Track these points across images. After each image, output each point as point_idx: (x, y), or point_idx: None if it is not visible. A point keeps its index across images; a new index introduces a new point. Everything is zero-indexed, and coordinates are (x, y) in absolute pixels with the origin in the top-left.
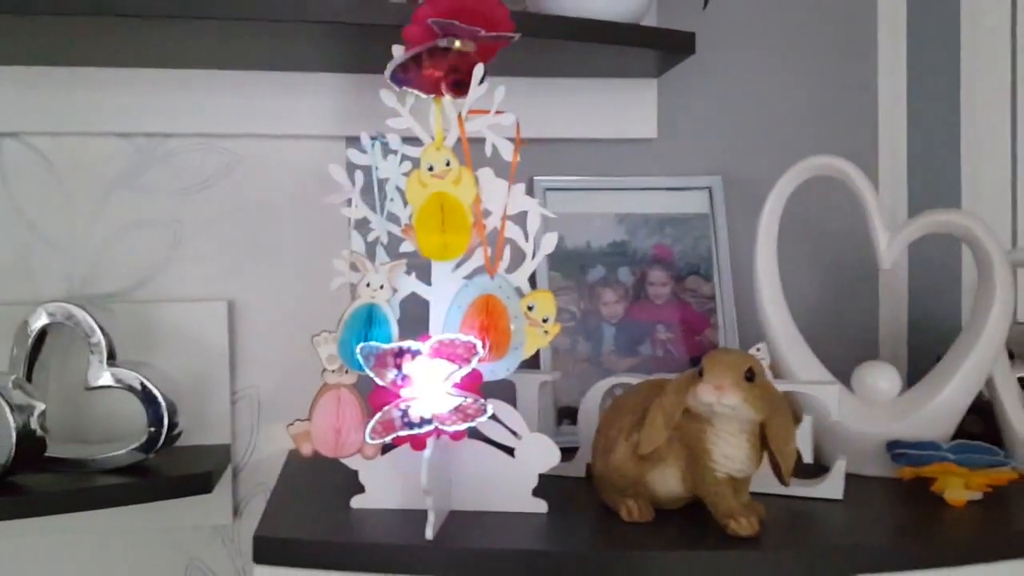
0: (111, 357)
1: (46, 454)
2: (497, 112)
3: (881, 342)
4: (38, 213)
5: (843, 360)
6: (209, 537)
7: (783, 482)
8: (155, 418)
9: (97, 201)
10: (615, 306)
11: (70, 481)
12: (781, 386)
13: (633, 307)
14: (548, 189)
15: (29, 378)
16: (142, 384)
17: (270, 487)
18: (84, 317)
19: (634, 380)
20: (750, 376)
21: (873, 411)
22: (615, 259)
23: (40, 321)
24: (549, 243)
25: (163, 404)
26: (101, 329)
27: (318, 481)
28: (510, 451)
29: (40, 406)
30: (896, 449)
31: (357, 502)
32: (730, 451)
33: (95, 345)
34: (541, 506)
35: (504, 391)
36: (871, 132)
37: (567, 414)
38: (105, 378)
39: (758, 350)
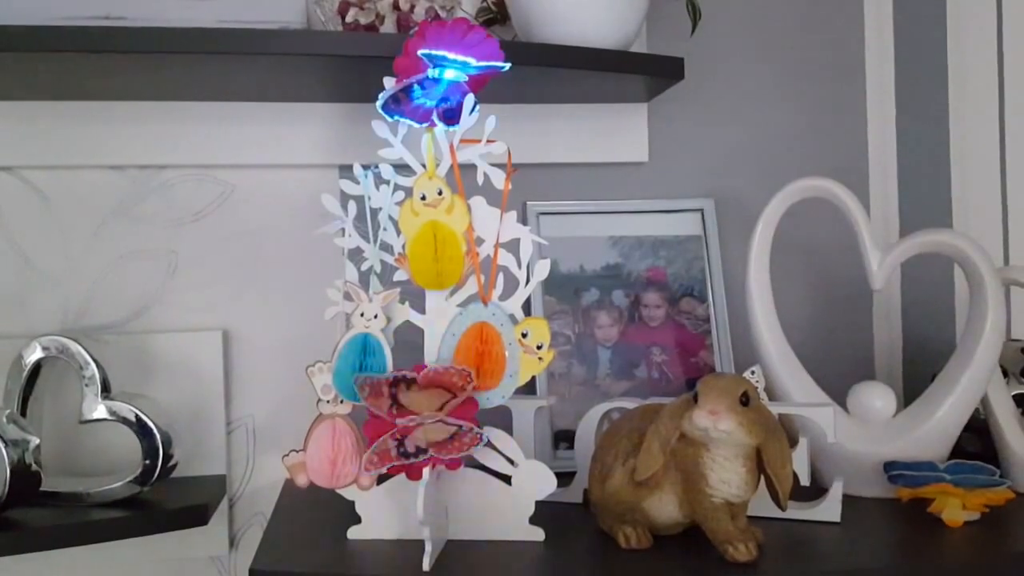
0: (105, 390)
1: (41, 488)
2: (488, 141)
3: (876, 361)
4: (32, 246)
5: (838, 380)
6: (205, 568)
7: (780, 506)
8: (150, 450)
9: (91, 233)
10: (610, 329)
11: (65, 516)
12: (776, 408)
13: (628, 330)
14: (541, 213)
15: (23, 412)
16: (137, 416)
17: (266, 517)
18: (78, 350)
19: (630, 405)
20: (745, 400)
21: (869, 432)
22: (609, 282)
23: (34, 355)
24: (542, 270)
25: (158, 436)
26: (95, 362)
27: (314, 511)
28: (507, 478)
29: (35, 440)
30: (893, 470)
31: (354, 533)
32: (727, 476)
33: (89, 378)
34: (538, 534)
35: (500, 416)
36: (861, 152)
37: (563, 437)
38: (100, 411)
39: (752, 373)
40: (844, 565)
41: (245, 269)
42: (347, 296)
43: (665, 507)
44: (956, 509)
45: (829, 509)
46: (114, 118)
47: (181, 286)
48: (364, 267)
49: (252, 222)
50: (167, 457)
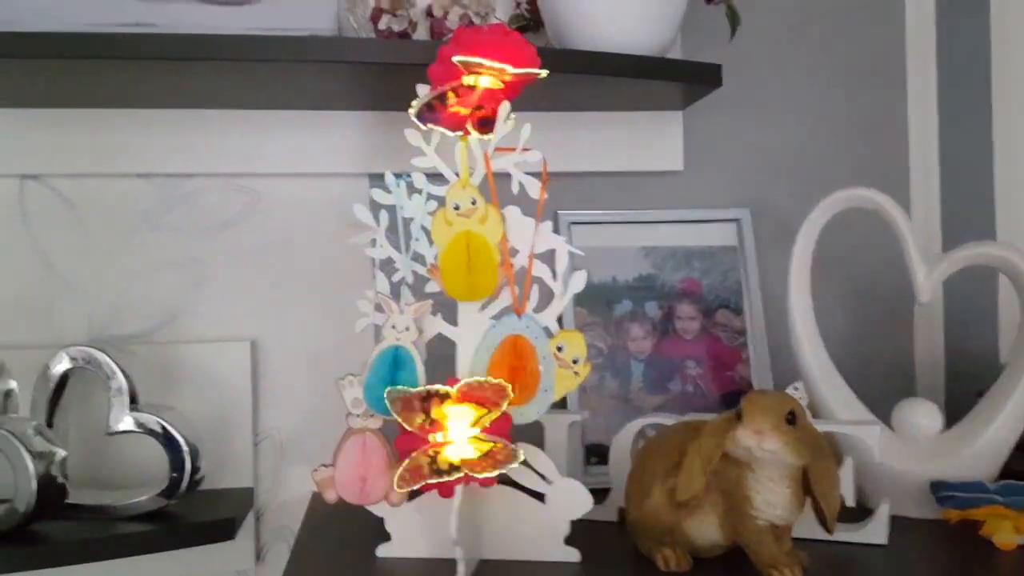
0: (132, 401)
1: (67, 501)
2: (524, 149)
3: (917, 377)
4: (59, 255)
5: (877, 396)
6: None
7: (828, 529)
8: (177, 463)
9: (118, 242)
10: (643, 342)
11: (91, 529)
12: (820, 427)
13: (661, 342)
14: (573, 223)
15: (50, 423)
16: (164, 428)
17: (293, 531)
18: (105, 361)
19: (667, 421)
20: (791, 419)
21: (915, 450)
22: (642, 293)
23: (62, 365)
24: (578, 282)
25: (185, 449)
26: (123, 372)
27: (343, 527)
28: (540, 496)
29: (61, 453)
30: (941, 491)
31: (383, 551)
32: (772, 498)
33: (116, 389)
34: (574, 555)
35: (531, 431)
36: (902, 162)
37: (594, 452)
38: (127, 423)
39: (796, 389)
40: None
41: (274, 279)
42: (378, 308)
43: (706, 529)
44: (1008, 532)
45: (876, 531)
46: (142, 126)
47: (209, 296)
48: (395, 278)
49: (281, 231)
50: (194, 470)
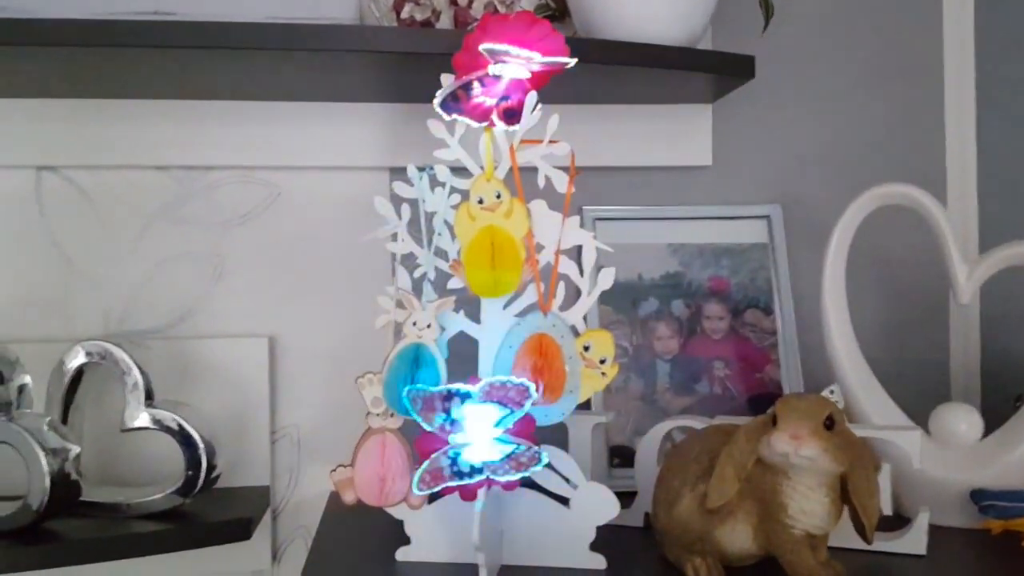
0: (148, 397)
1: (81, 498)
2: (551, 142)
3: (952, 380)
4: (76, 248)
5: (911, 401)
6: None
7: (867, 539)
8: (193, 461)
9: (136, 235)
10: (669, 341)
11: (105, 527)
12: (857, 432)
13: (688, 342)
14: (598, 219)
15: (65, 419)
16: (179, 426)
17: (311, 531)
18: (121, 356)
19: (697, 424)
20: (829, 424)
21: (953, 457)
22: (669, 292)
23: (77, 360)
24: (606, 279)
25: (201, 447)
26: (139, 368)
27: (361, 528)
28: (564, 500)
29: (75, 449)
30: (982, 500)
31: (402, 554)
32: (808, 506)
33: (132, 385)
34: (599, 562)
35: (554, 432)
36: (938, 157)
37: (618, 453)
38: (142, 419)
39: (831, 392)
40: None
41: (293, 274)
42: (399, 304)
43: (738, 537)
44: None
45: (915, 541)
46: (160, 117)
47: (227, 291)
48: (417, 274)
49: (300, 226)
50: (210, 468)
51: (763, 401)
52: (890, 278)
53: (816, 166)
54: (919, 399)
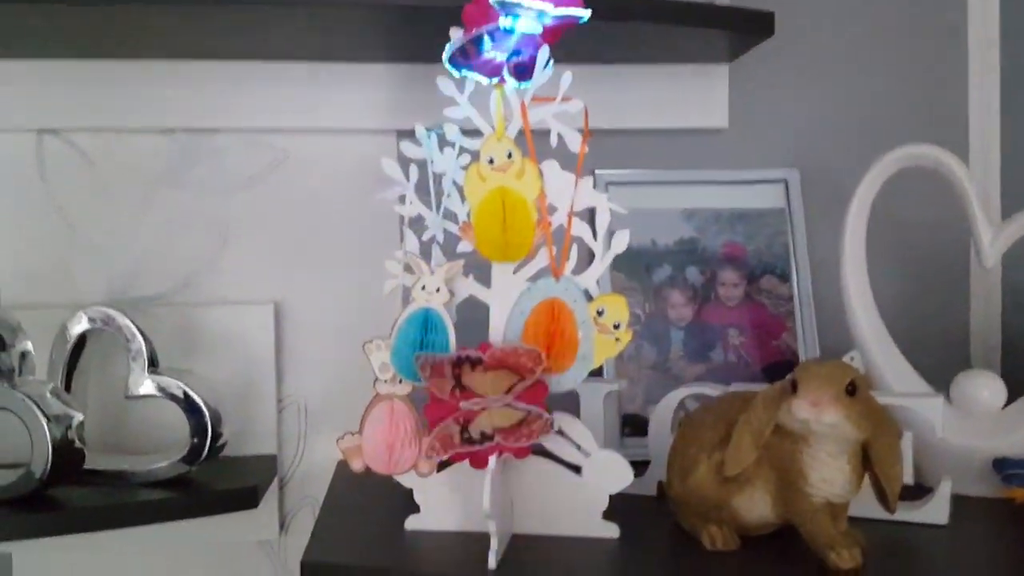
0: (152, 364)
1: (85, 466)
2: (563, 99)
3: (972, 349)
4: (78, 213)
5: (930, 369)
6: (254, 553)
7: (889, 509)
8: (198, 428)
9: (139, 200)
10: (683, 308)
11: (109, 496)
12: (878, 399)
13: (703, 309)
14: (610, 183)
15: (68, 386)
16: (185, 393)
17: (318, 500)
18: (125, 322)
19: (712, 391)
20: (851, 390)
21: (976, 425)
22: (683, 258)
23: (80, 326)
24: (620, 242)
25: (207, 414)
26: (142, 334)
27: (370, 497)
28: (576, 468)
29: (78, 416)
30: (1006, 468)
31: (412, 523)
32: (829, 474)
33: (136, 351)
34: (613, 531)
35: (565, 401)
36: (961, 119)
37: (629, 423)
38: (146, 386)
39: (851, 359)
40: (956, 574)
41: (299, 239)
42: (407, 268)
43: (756, 506)
44: None
45: (936, 510)
46: (163, 79)
47: (232, 256)
48: (426, 237)
49: (306, 190)
50: (216, 436)
51: (778, 369)
52: (908, 244)
53: (835, 129)
54: (938, 368)
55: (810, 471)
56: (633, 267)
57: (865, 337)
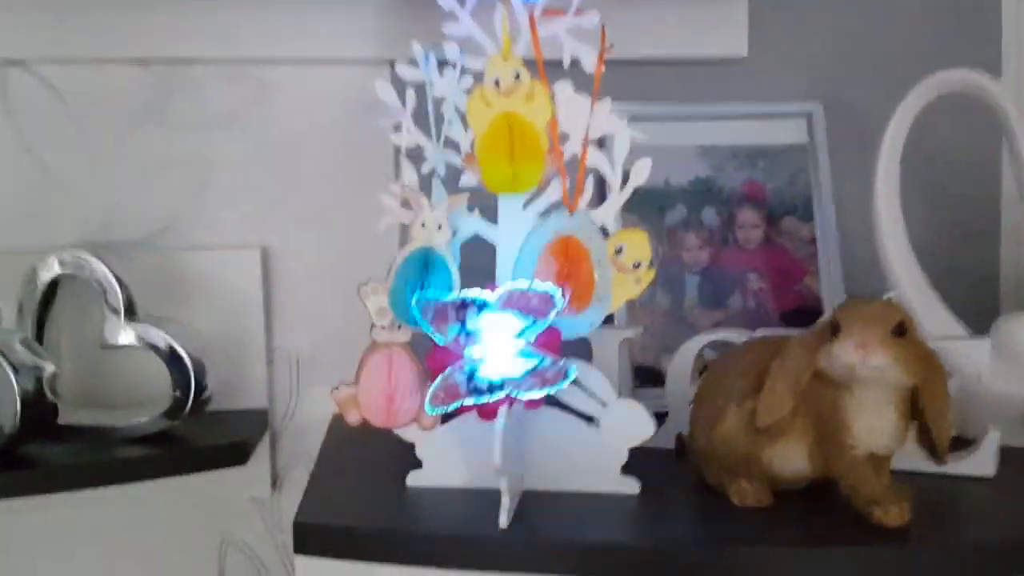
0: (130, 312)
1: (60, 421)
2: (577, 12)
3: (1003, 293)
4: (48, 151)
5: (960, 312)
6: (245, 511)
7: (940, 460)
8: (181, 380)
9: (114, 137)
10: (698, 252)
11: (87, 453)
12: None
13: (720, 253)
14: None
15: (40, 336)
16: (166, 343)
17: (312, 456)
18: (99, 267)
19: (737, 338)
20: (900, 331)
21: (1019, 371)
22: (698, 198)
23: (50, 271)
24: (641, 172)
25: (189, 365)
26: (118, 280)
27: (367, 452)
28: (588, 419)
29: (49, 367)
30: None
31: (413, 479)
32: (875, 423)
33: (111, 298)
34: (632, 486)
35: (575, 349)
36: (994, 47)
37: (640, 374)
38: (124, 336)
39: (889, 300)
40: (1006, 530)
41: (287, 178)
42: (405, 203)
43: (791, 458)
44: None
45: (982, 462)
46: (137, 6)
47: (214, 197)
48: (425, 169)
49: (294, 125)
50: (200, 388)
51: (803, 317)
52: (933, 180)
53: (861, 59)
54: (968, 311)
55: (853, 420)
56: (645, 208)
57: (900, 280)
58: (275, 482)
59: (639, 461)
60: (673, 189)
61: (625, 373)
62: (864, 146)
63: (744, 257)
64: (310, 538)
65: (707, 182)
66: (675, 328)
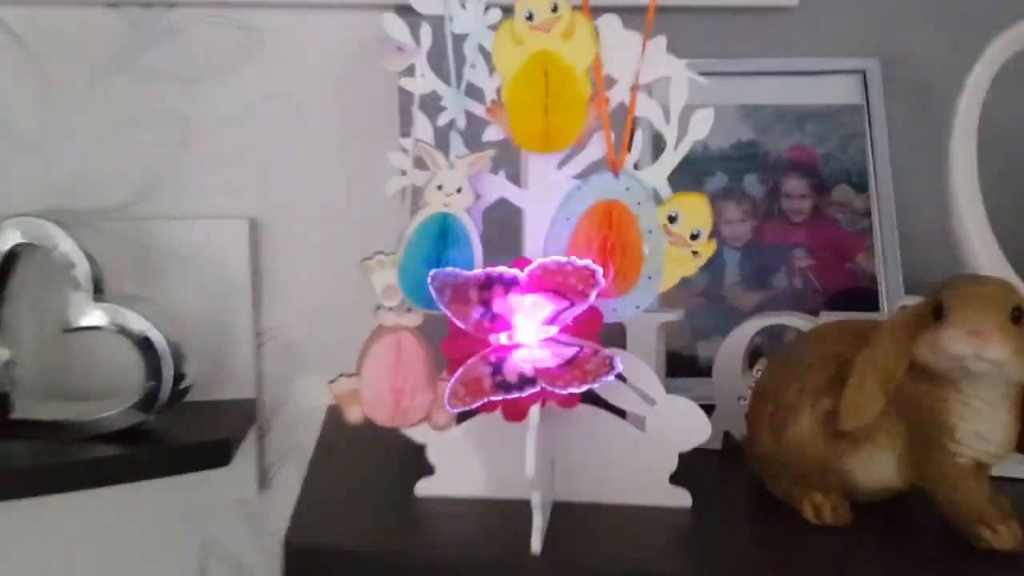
0: (98, 290)
1: (15, 416)
2: None
3: None
4: (9, 106)
5: None
6: (230, 514)
7: None
8: (154, 368)
9: (83, 91)
10: (740, 225)
11: (47, 452)
12: None
13: (764, 226)
14: None
15: None
16: (138, 324)
17: (304, 452)
18: (62, 236)
19: (801, 322)
20: (1017, 316)
21: None
22: (740, 165)
23: (8, 241)
24: (702, 125)
25: (165, 351)
26: (85, 254)
27: (368, 452)
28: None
29: (3, 353)
30: None
31: (424, 488)
32: (985, 426)
33: (76, 274)
34: (683, 498)
35: (606, 334)
36: None
37: (672, 361)
38: (91, 317)
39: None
40: None
41: (278, 139)
42: (418, 162)
43: (878, 468)
44: None
45: None
46: None
47: (196, 161)
48: (442, 121)
49: (286, 78)
50: (177, 377)
51: (856, 298)
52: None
53: (921, 9)
54: None
55: (960, 423)
56: (681, 176)
57: (981, 261)
58: (262, 481)
59: (686, 466)
60: (712, 154)
61: (661, 362)
62: (927, 108)
63: (790, 231)
64: (303, 563)
65: (750, 146)
66: (713, 310)
